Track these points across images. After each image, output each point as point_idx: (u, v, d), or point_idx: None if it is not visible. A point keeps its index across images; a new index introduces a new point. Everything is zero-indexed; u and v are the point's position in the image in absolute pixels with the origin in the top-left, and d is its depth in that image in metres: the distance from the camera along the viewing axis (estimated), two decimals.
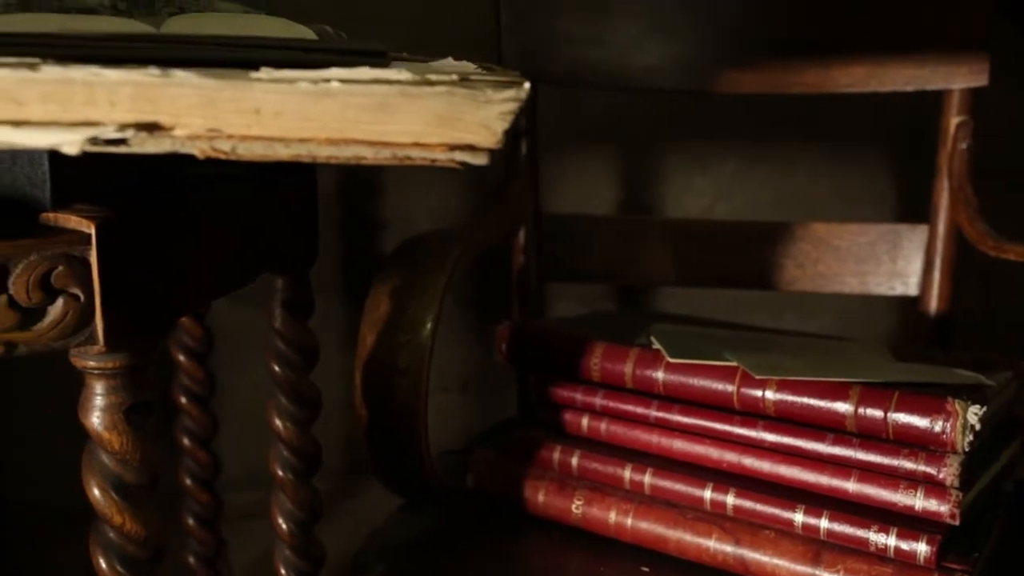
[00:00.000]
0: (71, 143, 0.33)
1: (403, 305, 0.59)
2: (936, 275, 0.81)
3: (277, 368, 0.65)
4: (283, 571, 0.69)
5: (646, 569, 0.61)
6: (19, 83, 0.33)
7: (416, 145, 0.35)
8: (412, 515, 0.66)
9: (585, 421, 0.67)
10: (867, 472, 0.57)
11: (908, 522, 0.55)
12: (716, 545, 0.60)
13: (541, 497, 0.65)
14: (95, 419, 0.46)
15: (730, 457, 0.61)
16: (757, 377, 0.60)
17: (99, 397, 0.46)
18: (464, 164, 0.35)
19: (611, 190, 1.58)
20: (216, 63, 0.39)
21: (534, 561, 0.64)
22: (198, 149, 0.34)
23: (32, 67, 0.33)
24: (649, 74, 0.88)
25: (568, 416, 0.67)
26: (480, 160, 0.36)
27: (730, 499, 0.60)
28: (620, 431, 0.66)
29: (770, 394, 0.60)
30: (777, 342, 0.70)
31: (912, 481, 0.56)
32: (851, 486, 0.58)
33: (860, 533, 0.56)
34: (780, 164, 1.59)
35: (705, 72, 0.87)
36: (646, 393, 0.65)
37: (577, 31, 0.88)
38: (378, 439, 0.61)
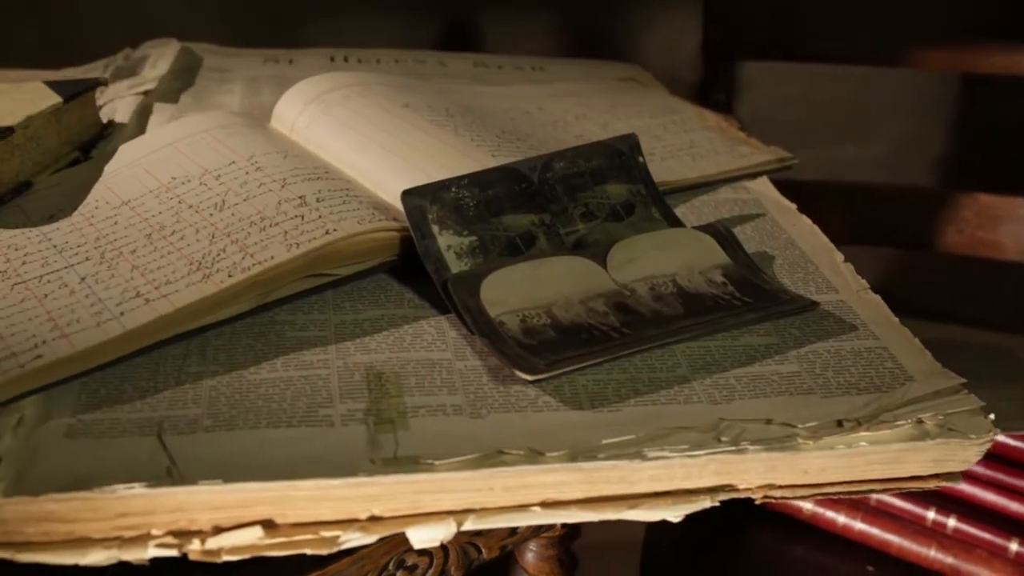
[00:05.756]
0: (675, 516, 0.42)
1: None
2: None
3: None
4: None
5: (871, 568, 0.75)
6: (631, 470, 0.41)
7: (913, 479, 0.44)
8: None
9: None
10: None
11: None
12: (935, 555, 0.74)
13: None
14: (530, 560, 0.57)
15: None
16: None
17: (537, 551, 0.56)
18: (940, 487, 0.45)
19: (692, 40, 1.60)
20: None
21: (782, 552, 0.78)
22: (755, 497, 0.43)
23: (633, 456, 0.41)
24: (844, 50, 0.92)
25: None
26: (954, 481, 0.45)
27: (951, 522, 0.74)
28: None
29: None
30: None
31: None
32: None
33: None
34: None
35: (899, 49, 0.91)
36: None
37: (775, 10, 0.90)
38: None
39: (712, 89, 0.92)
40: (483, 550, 0.51)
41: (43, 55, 1.25)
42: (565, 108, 0.71)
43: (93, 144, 0.62)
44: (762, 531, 0.79)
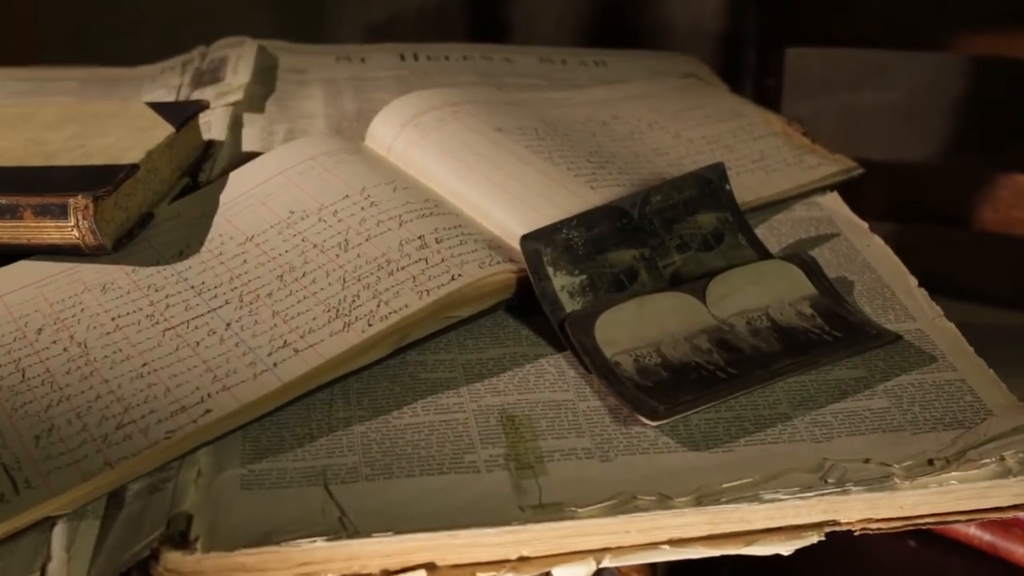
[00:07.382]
0: (787, 550, 0.46)
1: None
2: None
3: None
4: None
5: (913, 543, 0.81)
6: (750, 511, 0.45)
7: (993, 509, 0.49)
8: None
9: None
10: None
11: None
12: (975, 532, 0.80)
13: None
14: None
15: None
16: None
17: None
18: (1019, 516, 0.50)
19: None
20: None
21: None
22: (855, 530, 0.48)
23: (751, 499, 0.45)
24: (885, 35, 0.95)
25: None
26: None
27: None
28: None
29: None
30: None
31: None
32: None
33: None
34: None
35: (937, 33, 0.94)
36: None
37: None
38: None
39: (763, 74, 0.95)
40: None
41: (70, 15, 1.26)
42: (637, 115, 0.74)
43: (198, 166, 0.65)
44: None
